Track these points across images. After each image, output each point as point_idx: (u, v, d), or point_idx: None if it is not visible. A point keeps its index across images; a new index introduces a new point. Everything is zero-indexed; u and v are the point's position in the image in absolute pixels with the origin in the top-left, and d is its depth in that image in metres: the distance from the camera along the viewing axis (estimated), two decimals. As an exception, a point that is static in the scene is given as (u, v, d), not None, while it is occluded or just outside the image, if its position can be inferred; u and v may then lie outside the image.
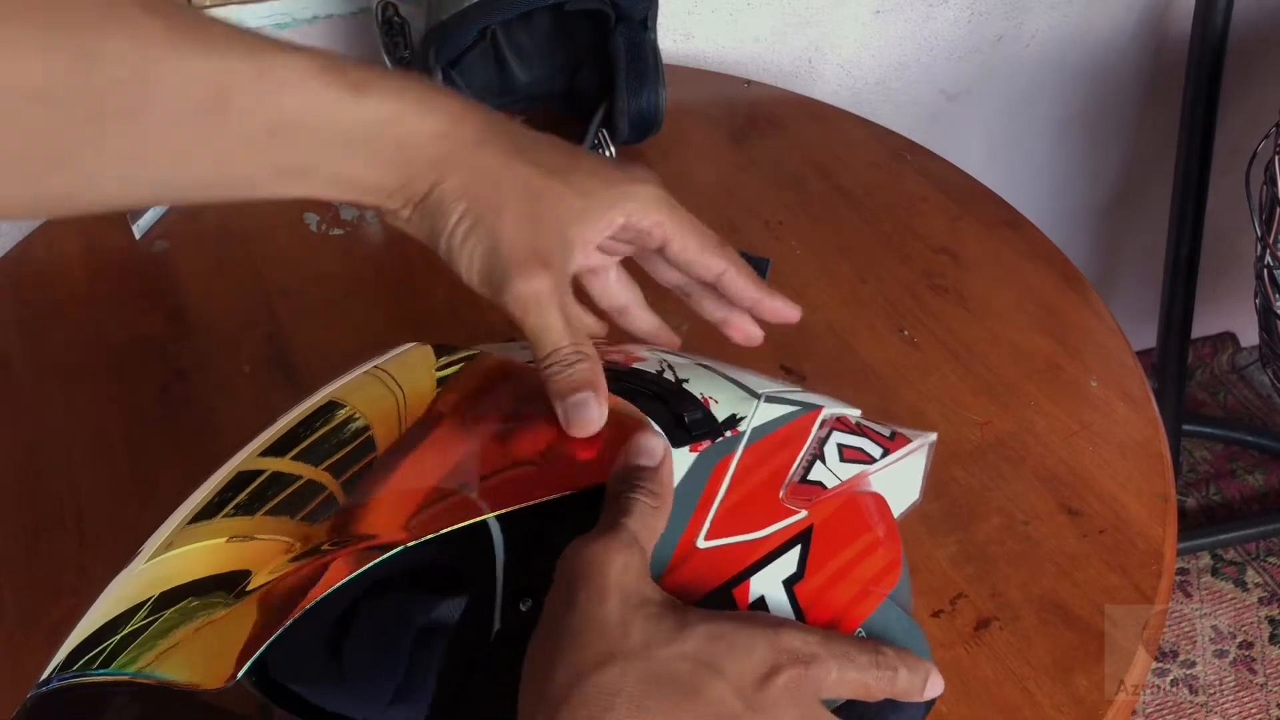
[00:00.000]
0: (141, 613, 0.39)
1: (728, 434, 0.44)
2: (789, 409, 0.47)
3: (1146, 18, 1.31)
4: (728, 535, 0.41)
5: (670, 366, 0.48)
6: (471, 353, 0.47)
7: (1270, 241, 1.14)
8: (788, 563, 0.42)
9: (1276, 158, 1.09)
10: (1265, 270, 1.18)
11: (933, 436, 0.51)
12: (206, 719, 0.40)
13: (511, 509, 0.40)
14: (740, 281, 0.50)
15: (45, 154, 0.36)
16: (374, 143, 0.42)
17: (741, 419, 0.45)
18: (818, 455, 0.46)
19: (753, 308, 0.51)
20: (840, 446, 0.47)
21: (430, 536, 0.38)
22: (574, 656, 0.35)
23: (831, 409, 0.49)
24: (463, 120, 0.44)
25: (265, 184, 0.42)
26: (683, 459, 0.43)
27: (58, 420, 0.71)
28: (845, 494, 0.45)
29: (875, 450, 0.48)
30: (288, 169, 0.41)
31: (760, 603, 0.41)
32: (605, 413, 0.42)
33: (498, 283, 0.44)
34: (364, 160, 0.43)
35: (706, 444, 0.43)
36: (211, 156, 0.40)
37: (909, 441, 0.50)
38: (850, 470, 0.46)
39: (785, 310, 0.51)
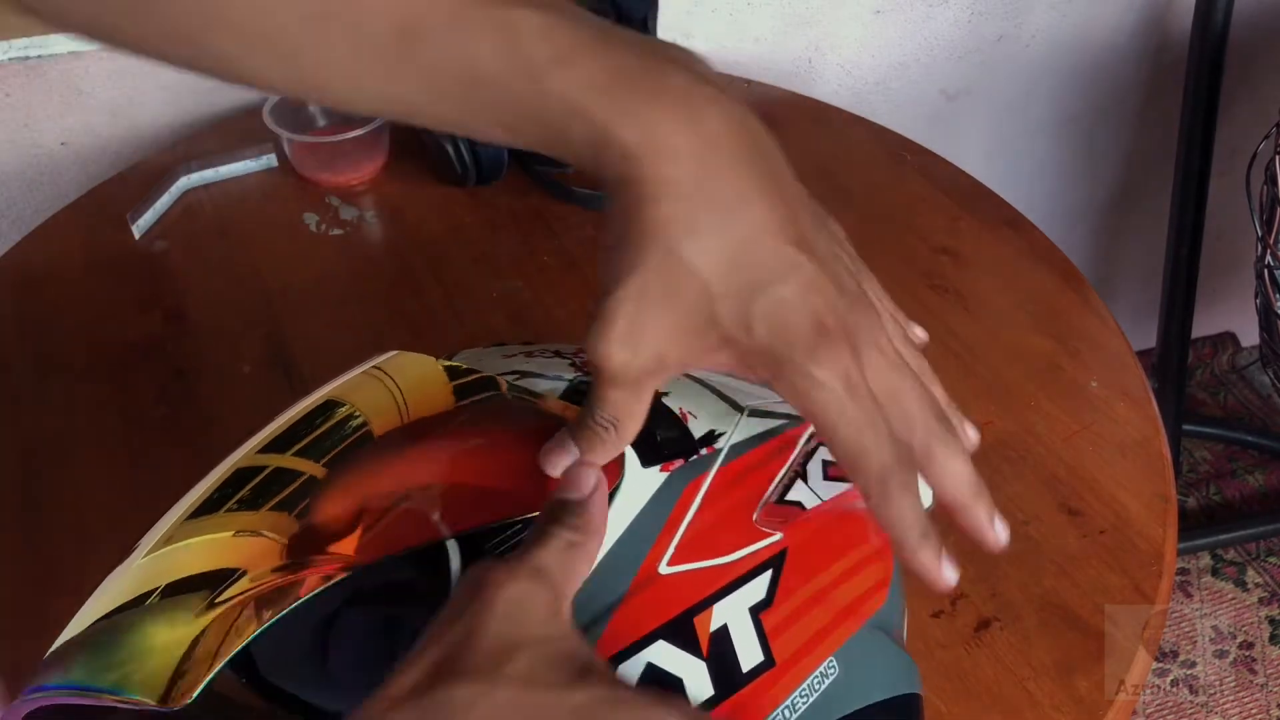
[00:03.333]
0: (150, 601, 0.39)
1: (703, 452, 0.42)
2: (774, 423, 0.45)
3: (1146, 18, 1.31)
4: (693, 560, 0.40)
5: None
6: (483, 379, 0.46)
7: (1270, 241, 1.14)
8: (756, 589, 0.40)
9: (1276, 158, 1.09)
10: (1265, 270, 1.18)
11: None
12: None
13: (469, 530, 0.39)
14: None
15: None
16: (563, 132, 0.36)
17: (720, 435, 0.43)
18: (799, 473, 0.44)
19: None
20: (825, 463, 0.45)
21: (384, 558, 0.37)
22: (431, 660, 0.32)
23: None
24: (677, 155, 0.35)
25: (468, 127, 0.37)
26: (652, 479, 0.41)
27: (58, 420, 0.71)
28: (828, 513, 0.43)
29: None
30: (490, 121, 0.37)
31: (723, 631, 0.39)
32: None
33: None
34: (562, 147, 0.36)
35: (679, 463, 0.42)
36: (400, 86, 0.37)
37: None
38: (834, 489, 0.44)
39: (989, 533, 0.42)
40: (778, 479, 0.43)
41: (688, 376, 0.47)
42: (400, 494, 0.40)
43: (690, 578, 0.39)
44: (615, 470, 0.41)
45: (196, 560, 0.39)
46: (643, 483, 0.41)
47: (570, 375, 0.46)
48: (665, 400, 0.44)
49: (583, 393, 0.45)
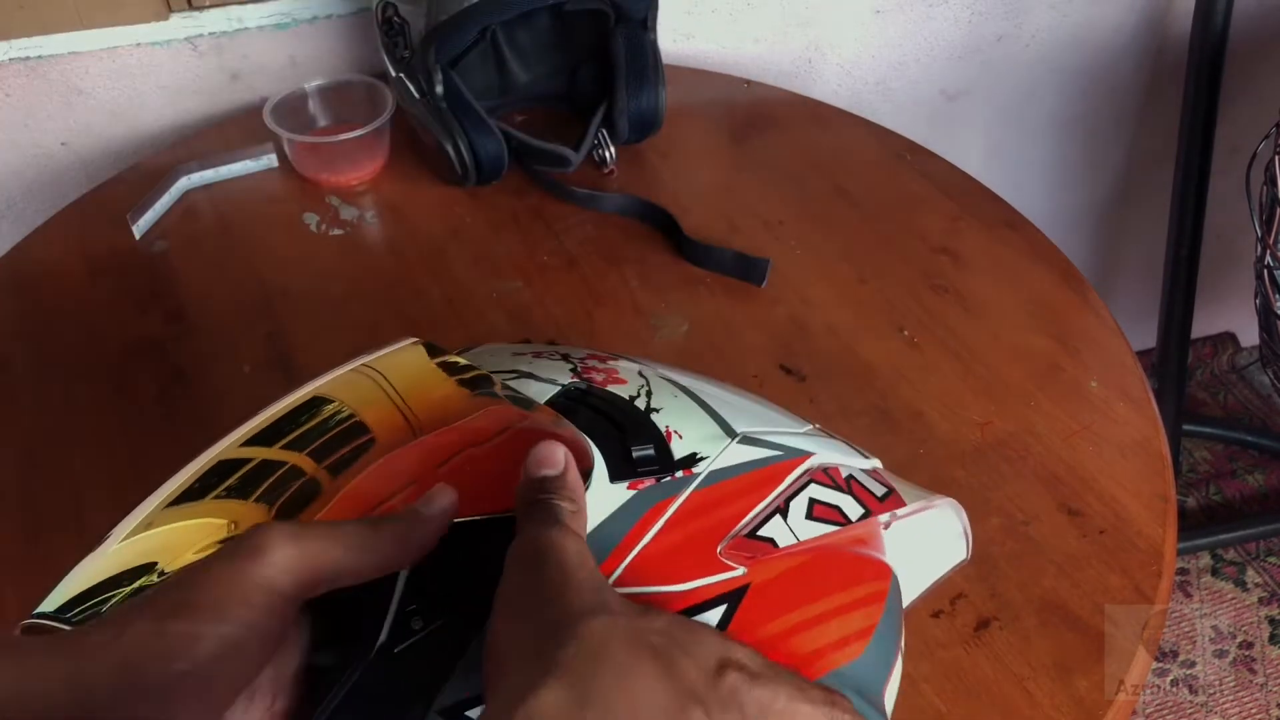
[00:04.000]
0: (146, 578, 0.39)
1: (679, 474, 0.41)
2: (766, 453, 0.44)
3: (1146, 18, 1.31)
4: (643, 584, 0.38)
5: (649, 392, 0.45)
6: (477, 371, 0.46)
7: (1270, 241, 1.14)
8: (706, 622, 0.38)
9: (1276, 158, 1.09)
10: (1265, 270, 1.18)
11: (945, 500, 0.47)
12: None
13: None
14: None
15: None
16: None
17: (702, 459, 0.42)
18: (781, 509, 0.42)
19: None
20: (812, 502, 0.43)
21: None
22: (562, 606, 0.34)
23: (825, 458, 0.45)
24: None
25: None
26: (616, 495, 0.40)
27: (58, 420, 0.71)
28: (802, 554, 0.42)
29: (855, 511, 0.44)
30: None
31: None
32: None
33: None
34: None
35: (649, 483, 0.40)
36: None
37: (902, 504, 0.46)
38: (815, 530, 0.42)
39: None
40: (754, 512, 0.42)
41: (685, 393, 0.46)
42: (379, 491, 0.40)
43: (636, 601, 0.38)
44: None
45: (185, 542, 0.39)
46: (605, 497, 0.40)
47: (565, 380, 0.46)
48: (654, 416, 0.44)
49: (573, 398, 0.44)
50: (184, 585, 0.34)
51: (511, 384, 0.45)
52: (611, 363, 0.49)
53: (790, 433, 0.46)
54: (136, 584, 0.38)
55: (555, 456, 0.39)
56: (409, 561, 0.37)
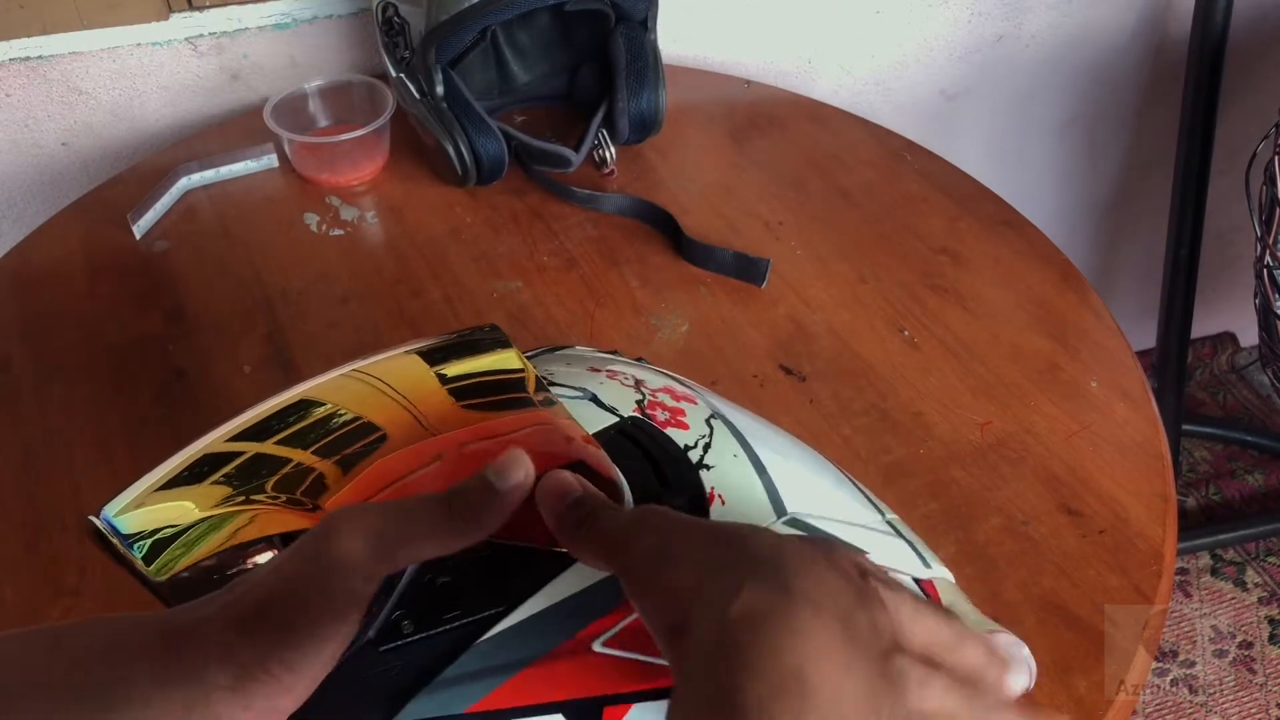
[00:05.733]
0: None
1: None
2: None
3: (1146, 18, 1.31)
4: (635, 650, 0.37)
5: (707, 445, 0.43)
6: (523, 373, 0.44)
7: (1270, 241, 1.14)
8: None
9: (1276, 158, 1.09)
10: (1265, 270, 1.18)
11: (1006, 635, 0.43)
12: None
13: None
14: None
15: None
16: None
17: None
18: None
19: None
20: None
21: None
22: (711, 533, 0.35)
23: (876, 558, 0.41)
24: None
25: None
26: None
27: (58, 420, 0.71)
28: None
29: None
30: None
31: None
32: None
33: None
34: None
35: None
36: None
37: None
38: None
39: None
40: None
41: (748, 453, 0.44)
42: (400, 475, 0.39)
43: (620, 666, 0.37)
44: None
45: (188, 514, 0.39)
46: None
47: (628, 411, 0.44)
48: (703, 473, 0.42)
49: (626, 433, 0.42)
50: (275, 602, 0.34)
51: (571, 402, 0.43)
52: (684, 401, 0.47)
53: (849, 523, 0.44)
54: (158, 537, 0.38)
55: (569, 482, 0.38)
56: (482, 537, 0.36)
